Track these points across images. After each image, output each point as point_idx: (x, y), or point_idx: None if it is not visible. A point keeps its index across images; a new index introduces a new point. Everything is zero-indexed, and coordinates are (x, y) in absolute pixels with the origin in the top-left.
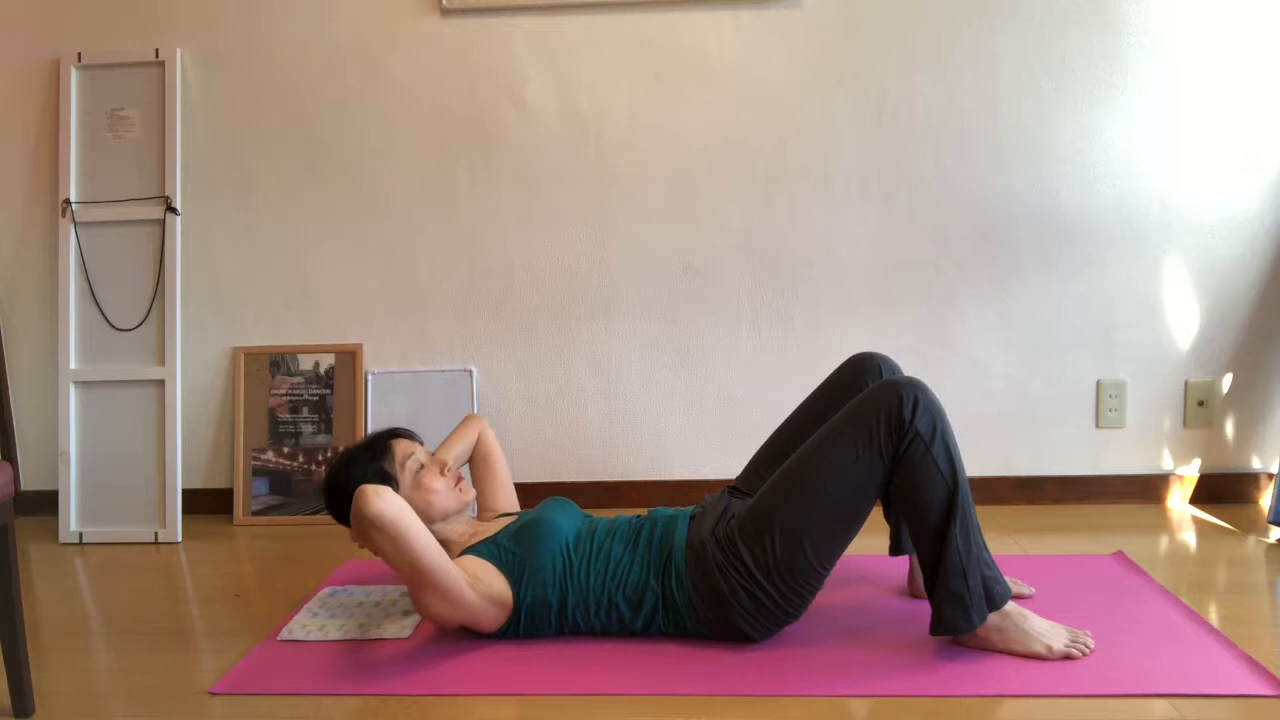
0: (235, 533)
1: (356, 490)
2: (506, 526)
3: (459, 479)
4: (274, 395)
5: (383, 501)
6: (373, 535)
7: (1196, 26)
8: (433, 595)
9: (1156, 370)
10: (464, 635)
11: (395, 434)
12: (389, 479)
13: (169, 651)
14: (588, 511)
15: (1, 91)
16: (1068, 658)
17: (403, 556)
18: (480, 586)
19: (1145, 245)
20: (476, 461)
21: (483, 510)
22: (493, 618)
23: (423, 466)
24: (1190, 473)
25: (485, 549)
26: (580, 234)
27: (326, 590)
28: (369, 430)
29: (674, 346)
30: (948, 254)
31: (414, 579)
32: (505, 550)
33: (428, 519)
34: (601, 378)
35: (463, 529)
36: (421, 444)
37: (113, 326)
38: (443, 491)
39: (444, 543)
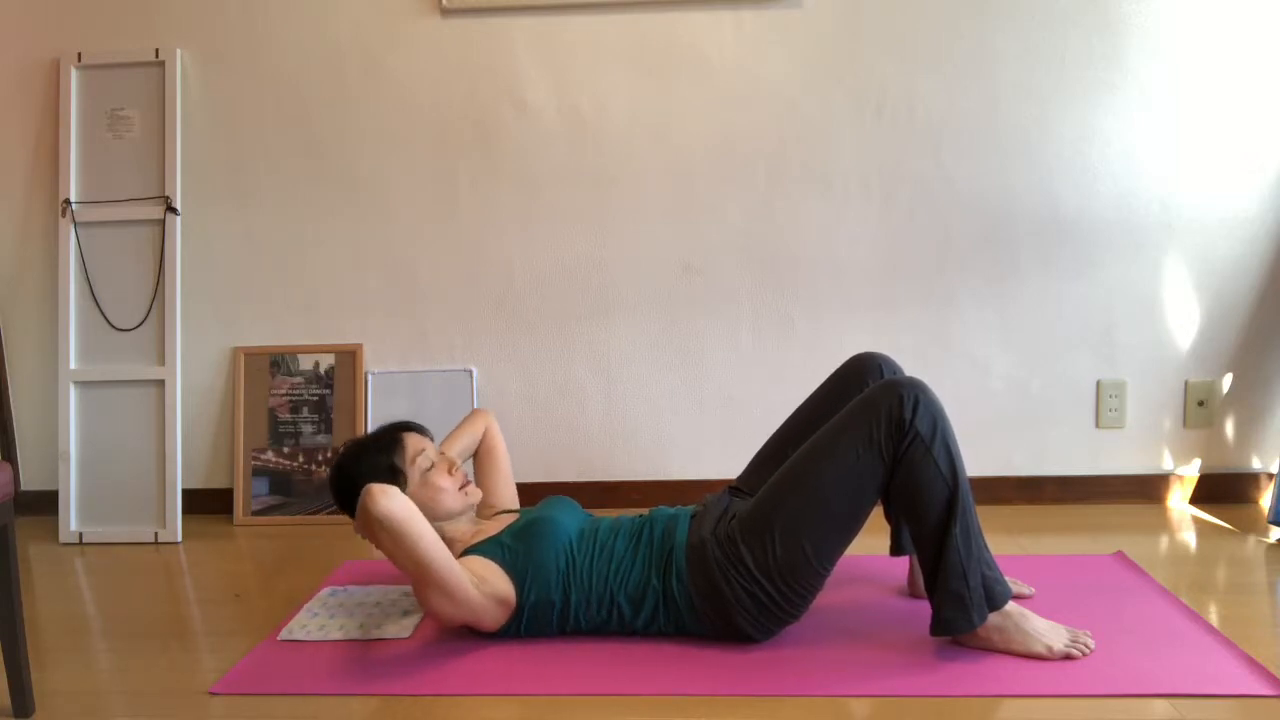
0: (235, 533)
1: (364, 489)
2: (510, 525)
3: (466, 481)
4: (274, 395)
5: (390, 501)
6: (378, 534)
7: (1197, 26)
8: (436, 594)
9: (1156, 370)
10: (464, 635)
11: (407, 427)
12: (398, 474)
13: (169, 651)
14: (588, 512)
15: (1, 91)
16: (1068, 658)
17: (408, 556)
18: (485, 586)
19: (1145, 245)
20: (481, 456)
21: (483, 506)
22: (495, 616)
23: (432, 465)
24: (1190, 473)
25: (489, 548)
26: (580, 234)
27: (327, 590)
28: (368, 430)
29: (674, 346)
30: (948, 254)
31: (418, 577)
32: (509, 549)
33: (431, 517)
34: (601, 378)
35: (465, 528)
36: (431, 439)
37: (113, 326)
38: (449, 491)
39: (447, 541)
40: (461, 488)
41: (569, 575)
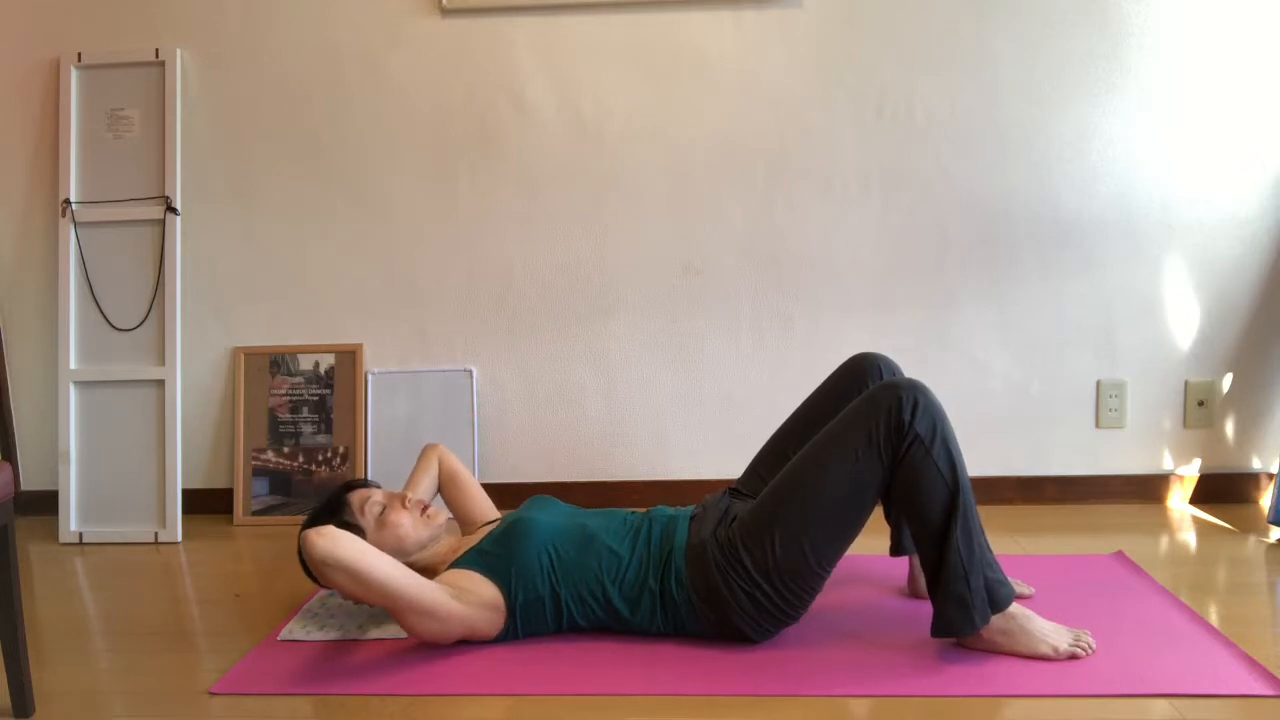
0: (235, 533)
1: (300, 539)
2: (490, 533)
3: (424, 507)
4: (274, 395)
5: (325, 539)
6: (333, 578)
7: (1197, 26)
8: (416, 617)
9: (1156, 370)
10: None
11: (349, 487)
12: (354, 530)
13: (169, 651)
14: (576, 507)
15: (1, 91)
16: (1072, 658)
17: (369, 588)
18: (469, 597)
19: (1145, 245)
20: (444, 486)
21: (466, 526)
22: (489, 624)
23: (383, 507)
24: (1190, 473)
25: (469, 559)
26: (580, 234)
27: (326, 590)
28: (368, 430)
29: (674, 346)
30: (948, 254)
31: (392, 606)
32: (489, 555)
33: (404, 554)
34: (601, 378)
35: (445, 550)
36: (379, 487)
37: (113, 326)
38: (409, 524)
39: (429, 568)
40: (422, 514)
41: (554, 570)
